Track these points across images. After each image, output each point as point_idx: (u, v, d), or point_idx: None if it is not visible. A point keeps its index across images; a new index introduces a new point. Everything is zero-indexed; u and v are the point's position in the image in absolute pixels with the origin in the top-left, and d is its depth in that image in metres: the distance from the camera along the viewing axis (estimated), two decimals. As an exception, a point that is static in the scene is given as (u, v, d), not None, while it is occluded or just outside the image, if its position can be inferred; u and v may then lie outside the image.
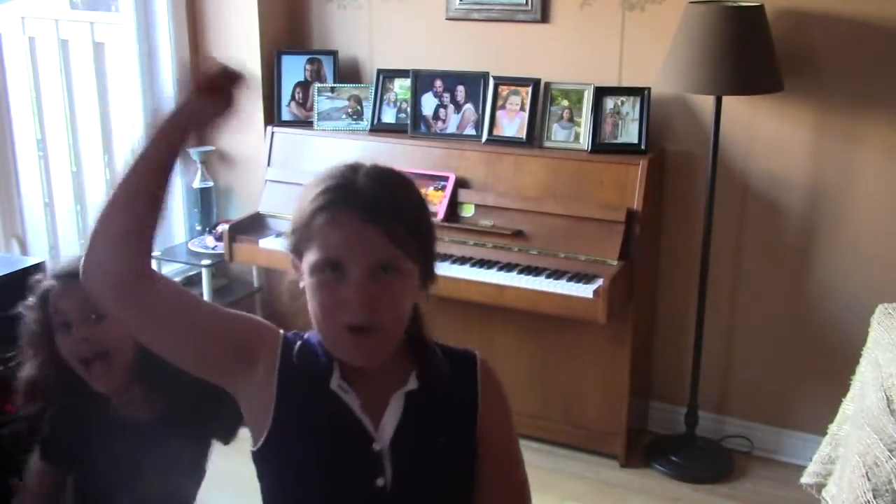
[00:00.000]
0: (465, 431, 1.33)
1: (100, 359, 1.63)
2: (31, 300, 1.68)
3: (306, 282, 1.27)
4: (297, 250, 1.29)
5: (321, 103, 3.57)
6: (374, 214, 1.21)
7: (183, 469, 1.74)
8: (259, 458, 1.30)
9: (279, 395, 1.27)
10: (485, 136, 3.33)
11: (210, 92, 1.33)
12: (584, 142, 3.21)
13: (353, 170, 1.27)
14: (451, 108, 3.41)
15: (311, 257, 1.25)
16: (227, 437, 1.78)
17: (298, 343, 1.32)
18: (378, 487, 1.26)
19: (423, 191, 3.40)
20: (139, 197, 1.22)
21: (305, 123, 3.62)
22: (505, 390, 1.41)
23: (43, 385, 1.70)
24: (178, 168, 1.30)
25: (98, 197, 3.64)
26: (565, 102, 3.26)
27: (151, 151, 1.24)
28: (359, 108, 3.55)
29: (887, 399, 2.17)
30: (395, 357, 1.31)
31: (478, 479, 1.35)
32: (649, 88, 3.12)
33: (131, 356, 1.64)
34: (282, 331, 1.35)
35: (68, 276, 1.62)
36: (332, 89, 3.58)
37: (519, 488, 1.40)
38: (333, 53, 3.64)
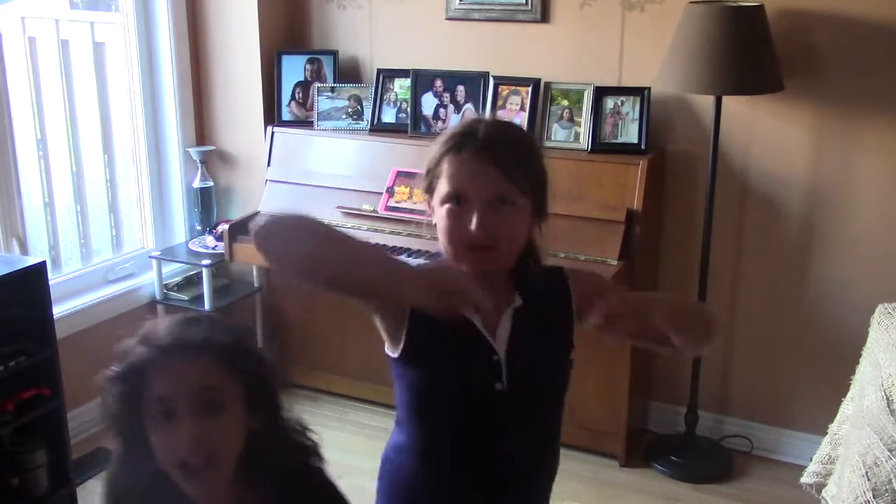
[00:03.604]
0: (564, 333, 1.56)
1: (201, 462, 1.25)
2: (115, 369, 1.28)
3: (436, 213, 1.50)
4: (430, 188, 1.52)
5: (321, 103, 3.57)
6: (491, 154, 1.44)
7: None
8: (397, 363, 1.54)
9: (413, 314, 1.48)
10: (485, 136, 3.32)
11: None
12: (584, 142, 3.21)
13: (477, 121, 1.51)
14: (451, 107, 3.41)
15: (440, 191, 1.48)
16: None
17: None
18: (497, 390, 1.50)
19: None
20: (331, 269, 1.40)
21: (306, 123, 3.62)
22: (586, 272, 1.65)
23: (125, 486, 1.32)
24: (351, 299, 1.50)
25: (99, 197, 3.65)
26: (565, 102, 3.26)
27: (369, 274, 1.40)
28: (359, 107, 3.55)
29: (887, 399, 2.17)
30: (508, 280, 1.52)
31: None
32: (649, 88, 3.12)
33: (234, 459, 1.30)
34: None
35: (178, 349, 1.26)
36: (333, 89, 3.58)
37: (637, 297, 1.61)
38: (333, 53, 3.64)
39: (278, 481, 1.33)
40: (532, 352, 1.52)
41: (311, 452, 1.43)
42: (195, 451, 1.24)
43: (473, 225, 1.43)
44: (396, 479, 1.63)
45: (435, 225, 1.52)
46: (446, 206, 1.47)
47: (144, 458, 1.27)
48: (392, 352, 1.54)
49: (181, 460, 1.25)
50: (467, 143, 1.46)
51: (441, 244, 1.50)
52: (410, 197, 3.24)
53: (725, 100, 2.98)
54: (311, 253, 1.38)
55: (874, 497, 2.12)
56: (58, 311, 2.94)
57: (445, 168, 1.47)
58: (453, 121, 3.39)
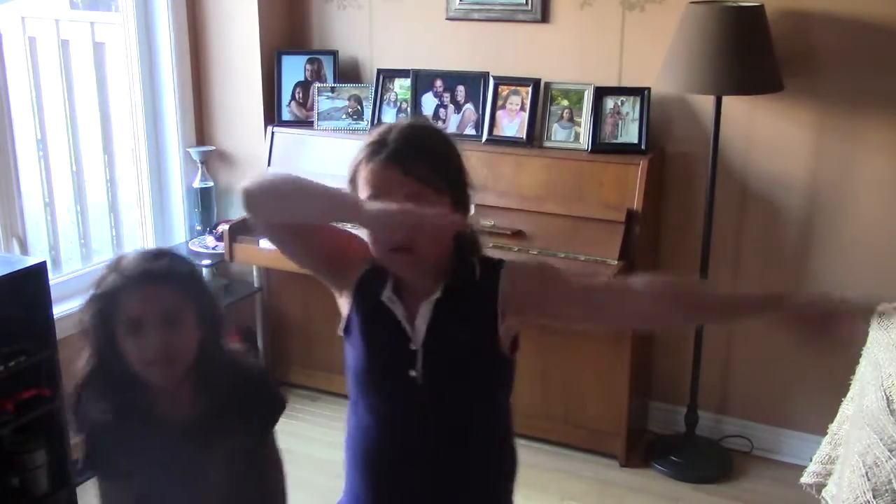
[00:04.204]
0: (485, 328, 1.58)
1: (167, 362, 1.60)
2: (92, 293, 1.60)
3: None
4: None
5: (321, 103, 3.57)
6: (398, 159, 1.52)
7: (245, 462, 1.71)
8: (343, 339, 1.68)
9: (354, 297, 1.63)
10: (485, 136, 3.33)
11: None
12: (585, 142, 3.21)
13: (388, 128, 1.58)
14: (451, 107, 3.41)
15: (361, 196, 1.54)
16: (267, 427, 1.80)
17: (375, 260, 1.61)
18: (412, 377, 1.58)
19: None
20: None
21: (306, 123, 3.62)
22: (531, 265, 1.71)
23: (99, 380, 1.63)
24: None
25: (99, 197, 3.65)
26: (565, 102, 3.26)
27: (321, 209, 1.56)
28: (359, 107, 3.55)
29: (887, 399, 2.17)
30: (436, 273, 1.58)
31: (586, 311, 1.61)
32: (649, 88, 3.12)
33: (191, 359, 1.63)
34: None
35: (144, 278, 1.58)
36: (333, 89, 3.58)
37: (595, 284, 1.69)
38: (333, 53, 3.64)
39: (221, 381, 1.66)
40: (449, 343, 1.57)
41: (245, 356, 1.79)
42: (160, 354, 1.58)
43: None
44: (349, 438, 1.75)
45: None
46: None
47: (113, 361, 1.60)
48: (339, 328, 1.67)
49: (149, 361, 1.59)
50: (378, 150, 1.54)
51: (369, 246, 1.59)
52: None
53: (725, 100, 2.98)
54: (280, 193, 1.55)
55: (874, 497, 2.12)
56: (58, 311, 2.93)
57: (362, 176, 1.56)
58: (453, 121, 3.40)
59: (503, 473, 1.71)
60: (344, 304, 1.67)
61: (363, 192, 1.55)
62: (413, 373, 1.57)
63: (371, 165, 1.54)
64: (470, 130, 3.38)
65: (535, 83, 3.28)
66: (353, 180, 1.59)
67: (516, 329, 1.60)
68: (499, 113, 3.32)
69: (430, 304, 1.57)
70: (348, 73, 3.67)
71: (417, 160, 1.54)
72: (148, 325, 1.57)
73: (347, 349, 1.68)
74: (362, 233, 1.58)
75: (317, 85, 3.58)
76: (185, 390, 1.65)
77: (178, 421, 1.64)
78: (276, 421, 1.80)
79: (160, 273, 1.59)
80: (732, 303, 1.62)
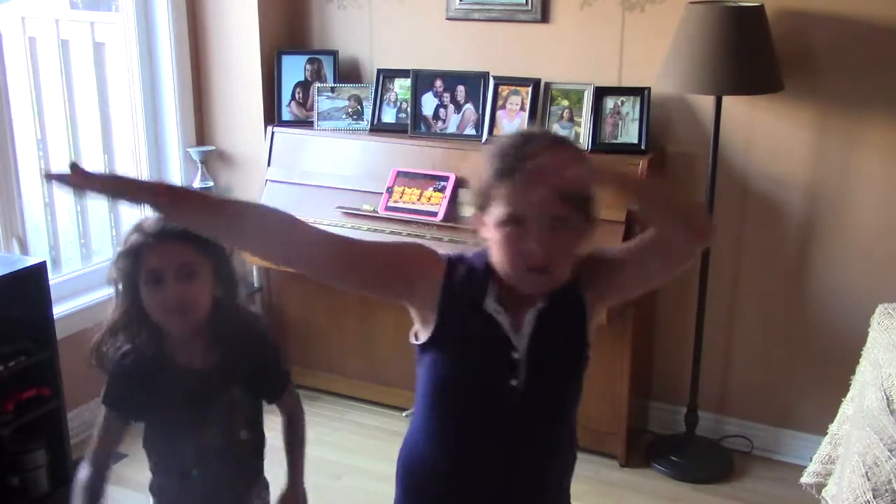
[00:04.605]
0: (579, 334, 1.60)
1: (182, 311, 1.75)
2: (121, 250, 1.78)
3: (490, 234, 1.53)
4: (482, 208, 1.55)
5: (321, 103, 3.57)
6: (545, 177, 1.45)
7: (242, 422, 1.85)
8: (422, 350, 1.60)
9: (441, 306, 1.55)
10: (485, 136, 3.33)
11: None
12: (585, 142, 3.21)
13: (525, 138, 1.53)
14: (451, 107, 3.41)
15: (495, 213, 1.50)
16: (274, 397, 1.94)
17: (462, 266, 1.58)
18: (512, 386, 1.55)
19: (422, 191, 3.40)
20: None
21: (306, 123, 3.62)
22: (591, 257, 1.62)
23: (124, 327, 1.80)
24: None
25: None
26: (565, 102, 3.26)
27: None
28: (359, 107, 3.56)
29: (887, 399, 2.17)
30: None
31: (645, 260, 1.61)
32: (649, 88, 3.12)
33: (205, 312, 1.79)
34: (442, 252, 1.62)
35: (164, 235, 1.74)
36: (333, 89, 3.58)
37: (629, 244, 1.68)
38: (333, 53, 3.64)
39: (233, 337, 1.82)
40: (550, 353, 1.57)
41: (257, 321, 1.98)
42: (178, 304, 1.74)
43: (533, 248, 1.46)
44: (411, 461, 1.68)
45: (484, 238, 1.56)
46: (503, 229, 1.50)
47: (136, 311, 1.77)
48: (420, 338, 1.60)
49: (167, 310, 1.75)
50: (520, 164, 1.48)
51: (496, 263, 1.53)
52: (416, 198, 3.25)
53: (725, 100, 2.98)
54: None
55: (874, 497, 2.12)
56: (58, 311, 2.94)
57: (500, 191, 1.49)
58: (453, 121, 3.40)
59: (568, 475, 1.73)
60: (424, 314, 1.59)
61: (499, 210, 1.49)
62: (514, 381, 1.55)
63: (511, 181, 1.48)
64: (470, 130, 3.38)
65: (536, 83, 3.28)
66: (486, 193, 1.52)
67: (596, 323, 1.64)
68: (499, 113, 3.32)
69: (535, 313, 1.56)
70: (348, 73, 3.67)
71: (563, 177, 1.47)
72: (167, 277, 1.73)
73: (427, 360, 1.61)
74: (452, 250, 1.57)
75: (317, 85, 3.58)
76: (200, 342, 1.81)
77: (191, 370, 1.80)
78: (276, 398, 1.94)
79: (178, 231, 1.71)
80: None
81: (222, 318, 1.81)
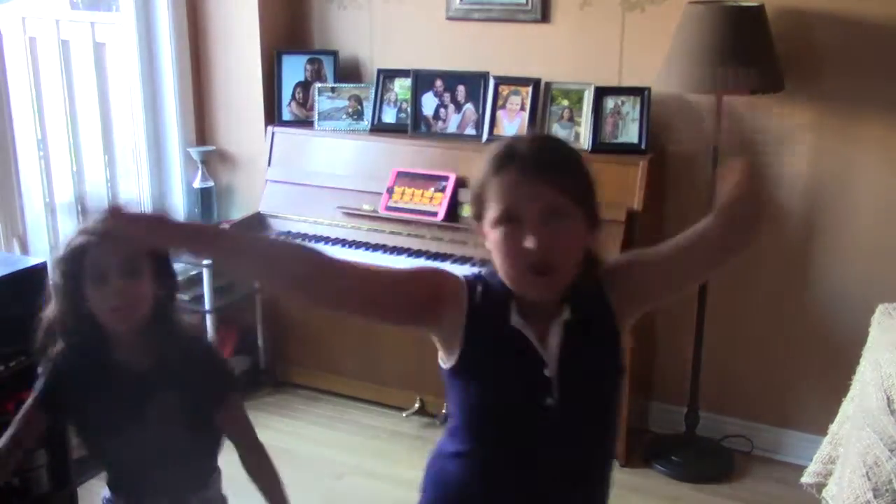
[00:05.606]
0: (611, 346, 1.55)
1: (127, 307, 1.78)
2: (62, 252, 1.80)
3: (490, 239, 1.48)
4: (478, 215, 1.51)
5: (321, 103, 3.57)
6: (536, 168, 1.45)
7: (182, 425, 1.85)
8: (450, 375, 1.54)
9: (467, 329, 1.50)
10: (485, 136, 3.33)
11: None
12: (585, 141, 3.21)
13: (515, 139, 1.53)
14: (451, 107, 3.41)
15: (490, 214, 1.47)
16: (216, 402, 1.90)
17: (479, 286, 1.53)
18: (548, 405, 1.49)
19: (423, 191, 3.41)
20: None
21: (306, 123, 3.62)
22: (620, 262, 1.65)
23: (61, 327, 1.83)
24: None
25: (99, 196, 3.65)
26: (565, 102, 3.26)
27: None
28: (359, 107, 3.56)
29: (887, 399, 2.17)
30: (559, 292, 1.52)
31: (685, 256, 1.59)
32: (649, 88, 3.12)
33: (147, 311, 1.81)
34: (460, 275, 1.57)
35: (107, 234, 1.75)
36: (333, 89, 3.58)
37: (669, 246, 1.64)
38: (334, 53, 3.64)
39: (172, 338, 1.85)
40: (583, 365, 1.51)
41: (194, 326, 2.02)
42: (121, 300, 1.76)
43: (529, 241, 1.42)
44: (444, 485, 1.62)
45: (488, 249, 1.53)
46: (499, 228, 1.46)
47: (80, 311, 1.79)
48: (445, 363, 1.54)
49: (111, 307, 1.76)
50: (510, 161, 1.46)
51: (500, 270, 1.48)
52: (418, 199, 3.25)
53: (725, 100, 2.98)
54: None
55: (874, 497, 2.12)
56: (58, 311, 2.93)
57: (492, 191, 1.46)
58: (453, 121, 3.40)
59: (608, 489, 1.66)
60: (450, 341, 1.53)
61: (493, 210, 1.46)
62: (549, 401, 1.49)
63: (506, 176, 1.45)
64: (470, 130, 3.38)
65: (536, 83, 3.28)
66: (479, 198, 1.50)
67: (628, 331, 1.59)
68: (499, 113, 3.32)
69: (560, 326, 1.50)
70: (348, 73, 3.67)
71: (555, 168, 1.47)
72: (111, 274, 1.76)
73: (458, 386, 1.55)
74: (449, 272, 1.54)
75: (317, 85, 3.58)
76: (141, 342, 1.83)
77: (131, 370, 1.82)
78: (224, 396, 1.92)
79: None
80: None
81: (162, 319, 1.83)
